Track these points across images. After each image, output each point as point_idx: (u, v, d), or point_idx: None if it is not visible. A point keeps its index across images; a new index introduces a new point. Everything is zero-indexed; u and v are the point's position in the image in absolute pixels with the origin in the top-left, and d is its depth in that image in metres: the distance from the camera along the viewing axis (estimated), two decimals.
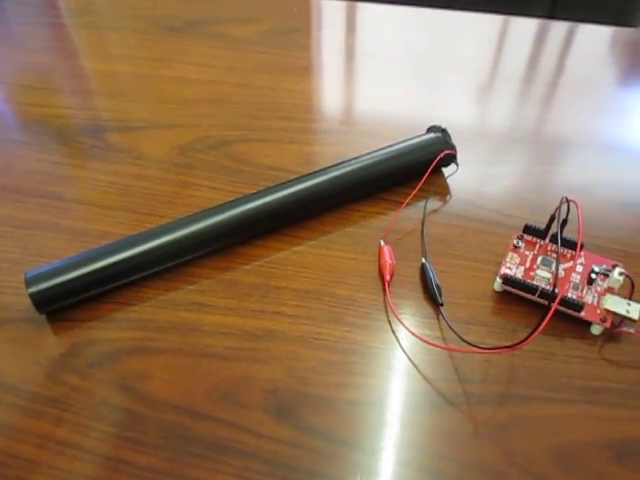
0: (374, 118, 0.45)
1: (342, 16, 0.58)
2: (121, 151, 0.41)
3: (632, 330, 0.30)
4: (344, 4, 0.59)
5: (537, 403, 0.28)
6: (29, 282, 0.30)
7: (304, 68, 0.50)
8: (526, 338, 0.26)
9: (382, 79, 0.49)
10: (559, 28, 0.56)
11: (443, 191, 0.38)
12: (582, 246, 0.32)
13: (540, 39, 0.55)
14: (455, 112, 0.45)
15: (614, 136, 0.43)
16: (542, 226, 0.33)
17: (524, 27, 0.56)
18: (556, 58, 0.52)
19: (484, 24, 0.56)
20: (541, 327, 0.25)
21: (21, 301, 0.31)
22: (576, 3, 1.03)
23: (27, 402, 0.28)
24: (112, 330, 0.30)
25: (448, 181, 0.39)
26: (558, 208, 0.30)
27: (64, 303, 0.31)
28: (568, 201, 0.30)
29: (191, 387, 0.28)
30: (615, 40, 0.55)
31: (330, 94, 0.48)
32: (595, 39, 0.55)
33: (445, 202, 0.37)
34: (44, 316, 0.31)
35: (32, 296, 0.29)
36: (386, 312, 0.31)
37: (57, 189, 0.38)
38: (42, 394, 0.28)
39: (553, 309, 0.25)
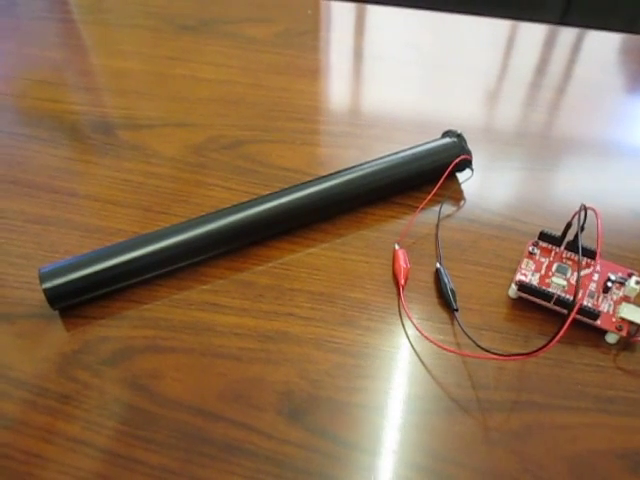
0: (386, 121, 0.45)
1: (355, 19, 0.58)
2: (134, 149, 0.41)
3: None
4: (357, 7, 0.59)
5: (551, 411, 0.27)
6: (43, 277, 0.29)
7: (317, 70, 0.50)
8: (544, 346, 0.26)
9: (394, 82, 0.49)
10: (568, 34, 0.56)
11: (457, 196, 0.38)
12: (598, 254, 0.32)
13: (550, 44, 0.55)
14: (467, 117, 0.45)
15: (628, 143, 0.43)
16: (557, 233, 0.33)
17: (534, 32, 0.56)
18: (566, 64, 0.52)
19: (493, 29, 0.56)
20: (559, 335, 0.25)
21: (34, 296, 0.31)
22: (588, 9, 1.03)
23: (38, 398, 0.28)
24: (124, 328, 0.30)
25: (462, 186, 0.39)
26: (577, 214, 0.29)
27: (77, 299, 0.31)
28: (586, 208, 0.29)
29: (203, 387, 0.28)
30: (626, 47, 0.55)
31: (343, 96, 0.48)
32: (606, 46, 0.55)
33: (459, 207, 0.37)
34: (57, 312, 0.31)
35: (46, 292, 0.29)
36: (400, 316, 0.31)
37: (70, 185, 0.38)
38: (53, 390, 0.28)
39: (571, 317, 0.25)
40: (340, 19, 0.58)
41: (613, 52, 0.55)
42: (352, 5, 0.59)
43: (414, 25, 0.57)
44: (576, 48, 0.55)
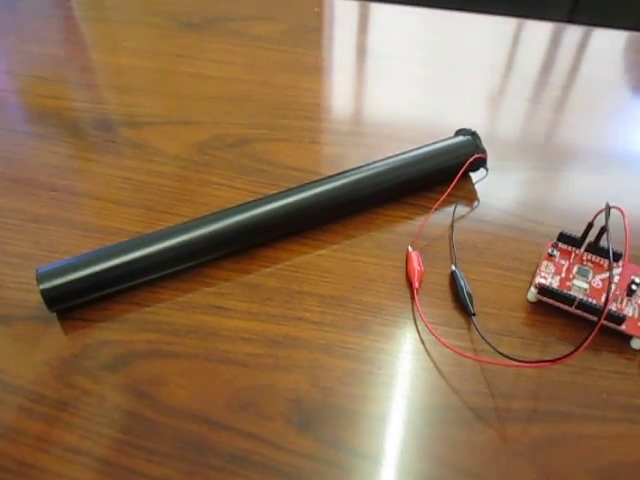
0: (395, 119, 0.43)
1: (360, 17, 0.57)
2: (137, 146, 0.40)
3: None
4: (362, 4, 0.58)
5: (576, 421, 0.26)
6: (41, 278, 0.28)
7: (324, 68, 0.49)
8: (571, 353, 0.24)
9: (401, 80, 0.48)
10: (576, 32, 0.55)
11: (471, 196, 0.37)
12: (621, 255, 0.31)
13: (558, 42, 0.53)
14: (477, 115, 0.44)
15: None
16: (577, 234, 0.32)
17: (541, 30, 0.55)
18: (574, 62, 0.51)
19: (499, 26, 0.55)
20: (587, 341, 0.23)
21: (31, 298, 0.30)
22: (595, 9, 1.02)
23: (34, 404, 0.26)
24: (126, 331, 0.29)
25: (476, 187, 0.37)
26: (604, 212, 0.28)
27: (76, 301, 0.29)
28: (610, 208, 0.28)
29: (209, 394, 0.27)
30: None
31: (350, 94, 0.47)
32: (615, 43, 0.54)
33: (473, 208, 0.36)
34: (55, 314, 0.29)
35: (43, 293, 0.28)
36: (414, 321, 0.30)
37: (71, 183, 0.37)
38: (50, 396, 0.27)
39: (600, 323, 0.24)
40: (346, 17, 0.57)
41: (623, 50, 0.53)
42: (357, 3, 0.58)
43: (420, 23, 0.56)
44: (584, 46, 0.54)
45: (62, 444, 0.25)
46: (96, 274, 0.29)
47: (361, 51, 0.52)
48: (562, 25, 0.56)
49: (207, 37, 0.51)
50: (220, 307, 0.30)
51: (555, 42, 0.54)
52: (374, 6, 0.58)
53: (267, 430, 0.25)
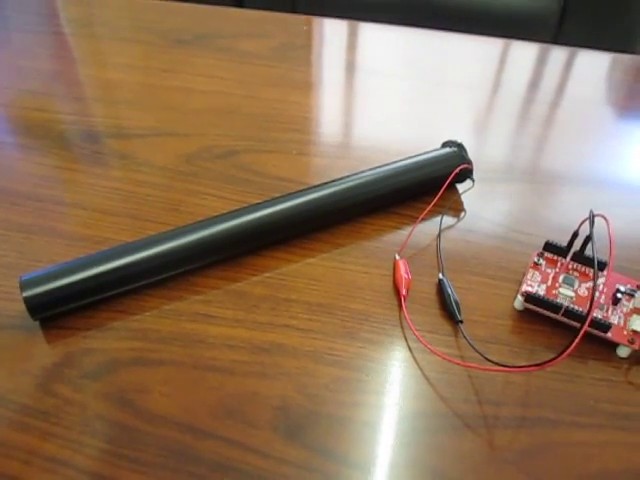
0: (382, 133, 0.44)
1: (348, 35, 0.58)
2: (124, 158, 0.40)
3: None
4: (350, 24, 0.59)
5: (564, 428, 0.26)
6: (24, 286, 0.28)
7: (313, 83, 0.49)
8: (557, 356, 0.24)
9: (390, 97, 0.48)
10: (560, 52, 0.56)
11: (458, 207, 0.37)
12: (606, 264, 0.31)
13: (543, 62, 0.55)
14: (464, 130, 0.44)
15: (627, 156, 0.43)
16: (563, 243, 0.32)
17: (527, 50, 0.56)
18: (561, 81, 0.52)
19: (485, 46, 0.56)
20: (573, 345, 0.23)
21: (14, 307, 0.29)
22: (580, 30, 1.05)
23: (14, 414, 0.26)
24: (110, 340, 0.29)
25: (462, 197, 0.38)
26: (589, 221, 0.28)
27: (60, 309, 0.29)
28: (594, 216, 0.28)
29: (194, 402, 0.26)
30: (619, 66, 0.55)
31: (338, 109, 0.47)
32: (599, 64, 0.55)
33: (460, 218, 0.36)
34: (38, 323, 0.29)
35: (26, 300, 0.27)
36: (402, 328, 0.30)
37: (56, 193, 0.37)
38: (31, 406, 0.26)
39: (584, 329, 0.24)
40: (335, 35, 0.58)
41: (605, 70, 0.55)
42: (346, 22, 0.59)
43: (408, 42, 0.57)
44: (569, 66, 0.55)
45: (42, 454, 0.24)
46: (80, 282, 0.29)
47: (349, 68, 0.52)
48: (547, 46, 0.57)
49: (196, 53, 0.52)
50: (206, 315, 0.30)
51: (541, 62, 0.55)
52: (362, 25, 0.59)
53: (253, 438, 0.25)
